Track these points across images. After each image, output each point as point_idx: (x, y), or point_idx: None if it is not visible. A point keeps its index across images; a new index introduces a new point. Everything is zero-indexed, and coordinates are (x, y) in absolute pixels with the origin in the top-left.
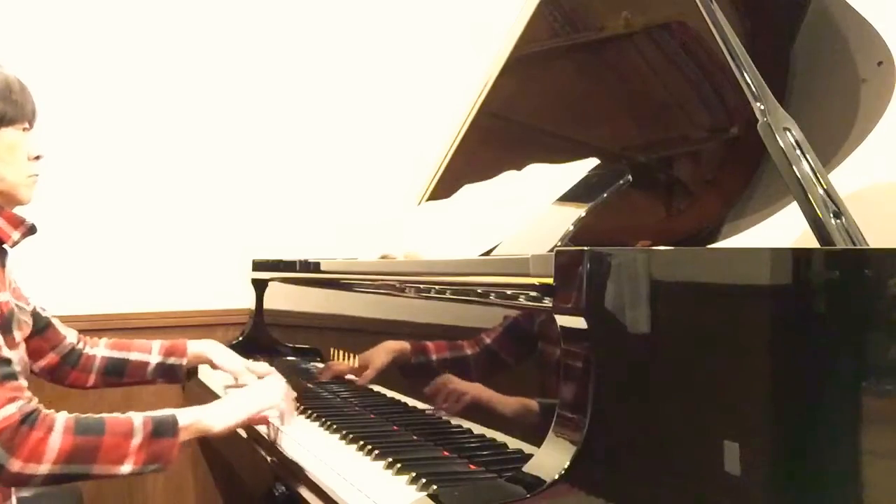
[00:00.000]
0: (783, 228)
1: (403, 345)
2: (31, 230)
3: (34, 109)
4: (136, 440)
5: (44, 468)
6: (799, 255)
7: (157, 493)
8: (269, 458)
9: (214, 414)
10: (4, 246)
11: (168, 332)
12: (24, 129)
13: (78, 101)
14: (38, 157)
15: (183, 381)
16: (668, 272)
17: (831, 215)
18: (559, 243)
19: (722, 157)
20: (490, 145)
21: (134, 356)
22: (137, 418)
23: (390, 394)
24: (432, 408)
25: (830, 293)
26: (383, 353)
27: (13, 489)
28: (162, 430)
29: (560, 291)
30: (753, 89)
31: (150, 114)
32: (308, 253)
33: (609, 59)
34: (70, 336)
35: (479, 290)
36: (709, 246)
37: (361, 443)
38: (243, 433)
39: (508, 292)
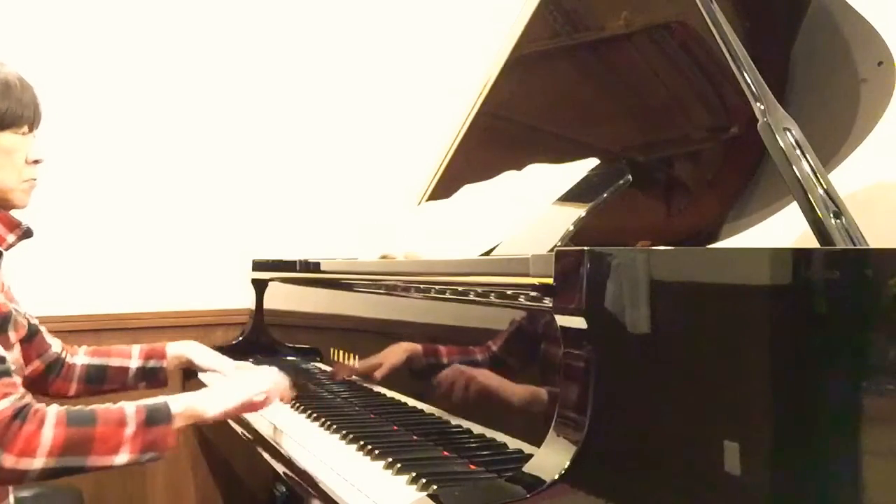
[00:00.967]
0: (783, 228)
1: (403, 345)
2: (27, 233)
3: (37, 111)
4: (130, 429)
5: (38, 462)
6: (799, 255)
7: (158, 493)
8: (269, 459)
9: (207, 399)
10: None
11: (168, 332)
12: (23, 133)
13: (78, 101)
14: (37, 161)
15: (166, 385)
16: (668, 272)
17: (831, 215)
18: (559, 243)
19: (722, 157)
20: (490, 145)
21: (114, 362)
22: (129, 407)
23: (390, 394)
24: (432, 408)
25: (830, 293)
26: (384, 353)
27: (11, 489)
28: (155, 418)
29: (560, 291)
30: (753, 89)
31: (150, 114)
32: (308, 253)
33: (609, 59)
34: (55, 345)
35: (479, 290)
36: (709, 246)
37: (361, 443)
38: (243, 433)
39: (508, 292)
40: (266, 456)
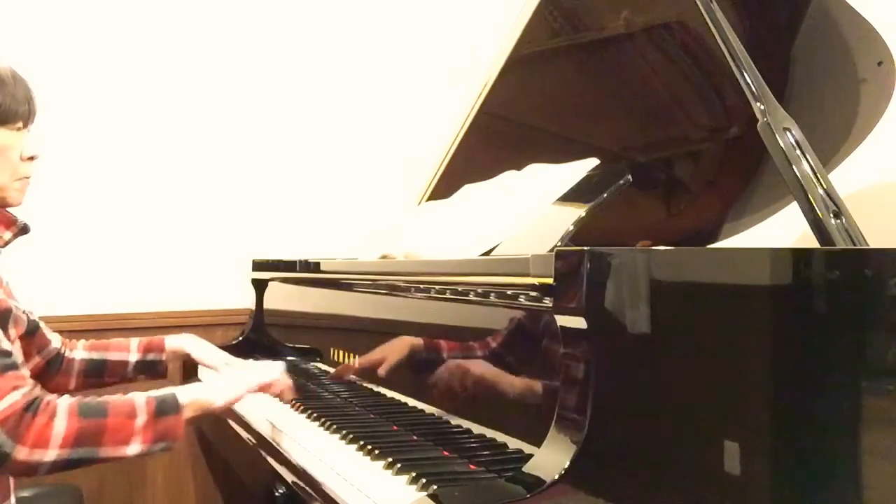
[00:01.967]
0: (783, 228)
1: (404, 345)
2: (24, 230)
3: (32, 107)
4: (141, 419)
5: (51, 454)
6: (799, 255)
7: (158, 493)
8: (269, 459)
9: (214, 390)
10: None
11: (168, 332)
12: (17, 129)
13: (78, 101)
14: (31, 158)
15: (166, 377)
16: (668, 272)
17: (831, 215)
18: (559, 243)
19: (722, 157)
20: (490, 145)
21: (112, 356)
22: (140, 398)
23: (390, 394)
24: (432, 408)
25: (830, 293)
26: (384, 353)
27: (12, 489)
28: (165, 408)
29: (560, 291)
30: (753, 89)
31: (151, 114)
32: (308, 253)
33: (609, 59)
34: (55, 341)
35: (479, 290)
36: (709, 246)
37: (361, 443)
38: (243, 433)
39: (508, 292)
40: (266, 456)
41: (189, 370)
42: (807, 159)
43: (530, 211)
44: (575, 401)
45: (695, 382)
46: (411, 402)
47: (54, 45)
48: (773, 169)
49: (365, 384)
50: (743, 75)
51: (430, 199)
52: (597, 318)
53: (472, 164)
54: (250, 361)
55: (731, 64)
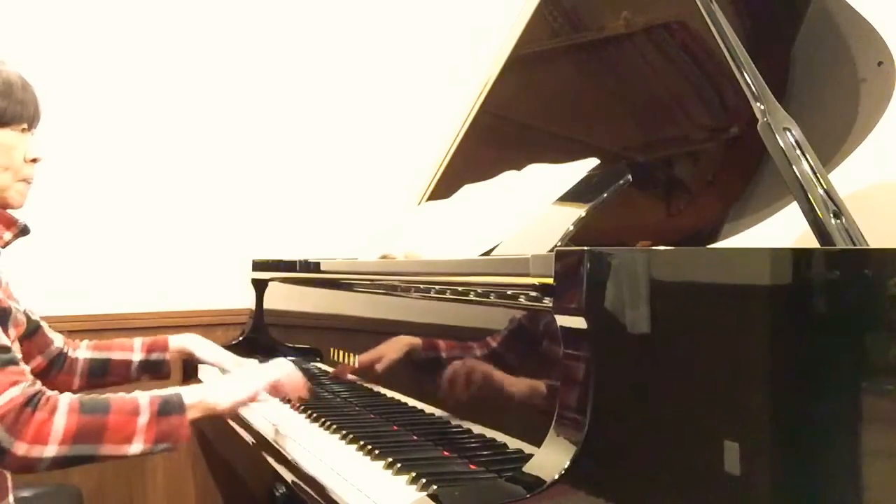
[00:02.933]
0: (783, 228)
1: (404, 345)
2: (24, 231)
3: (37, 110)
4: (143, 418)
5: (50, 450)
6: (799, 255)
7: (158, 493)
8: (269, 459)
9: (219, 391)
10: None
11: (168, 332)
12: (22, 130)
13: (78, 100)
14: (34, 160)
15: (169, 377)
16: (668, 272)
17: (831, 215)
18: (559, 243)
19: (722, 157)
20: (490, 145)
21: (116, 355)
22: (143, 397)
23: (390, 394)
24: (432, 408)
25: (830, 293)
26: (383, 353)
27: (10, 488)
28: (169, 408)
29: (560, 291)
30: (753, 89)
31: (151, 114)
32: (308, 253)
33: (609, 59)
34: (57, 340)
35: (479, 290)
36: (709, 246)
37: (361, 443)
38: (243, 433)
39: (508, 292)
40: (266, 456)
41: (189, 370)
42: (807, 159)
43: (530, 211)
44: (575, 401)
45: (695, 382)
46: (411, 402)
47: (55, 47)
48: (773, 169)
49: (365, 384)
50: (743, 75)
51: (430, 198)
52: (597, 318)
53: (472, 164)
54: (253, 361)
55: (731, 64)
